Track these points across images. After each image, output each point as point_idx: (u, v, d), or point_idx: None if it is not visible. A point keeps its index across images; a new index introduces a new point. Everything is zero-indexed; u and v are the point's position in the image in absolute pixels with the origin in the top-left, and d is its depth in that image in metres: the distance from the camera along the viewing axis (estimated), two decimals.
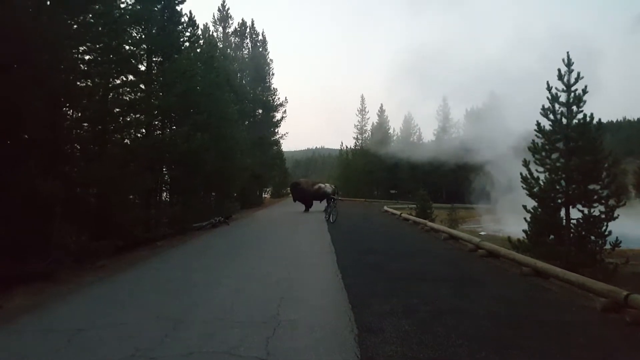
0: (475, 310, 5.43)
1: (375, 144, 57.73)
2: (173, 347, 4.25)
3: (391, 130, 60.94)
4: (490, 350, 4.07)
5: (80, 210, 10.08)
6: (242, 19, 42.23)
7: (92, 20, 10.18)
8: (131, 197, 14.07)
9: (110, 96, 11.94)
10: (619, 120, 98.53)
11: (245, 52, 41.01)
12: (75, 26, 9.83)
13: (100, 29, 10.39)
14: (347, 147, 67.95)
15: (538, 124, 11.09)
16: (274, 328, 4.70)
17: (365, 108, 62.78)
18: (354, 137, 64.44)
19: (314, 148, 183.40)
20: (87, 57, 10.56)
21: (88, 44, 10.30)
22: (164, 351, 4.14)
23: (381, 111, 61.42)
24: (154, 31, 15.52)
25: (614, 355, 4.17)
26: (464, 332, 4.56)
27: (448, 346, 4.18)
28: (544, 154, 10.81)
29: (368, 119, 63.14)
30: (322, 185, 24.51)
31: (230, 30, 39.84)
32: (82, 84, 10.46)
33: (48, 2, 8.98)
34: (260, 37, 42.37)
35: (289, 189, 33.66)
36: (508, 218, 24.27)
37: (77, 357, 4.11)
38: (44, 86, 8.59)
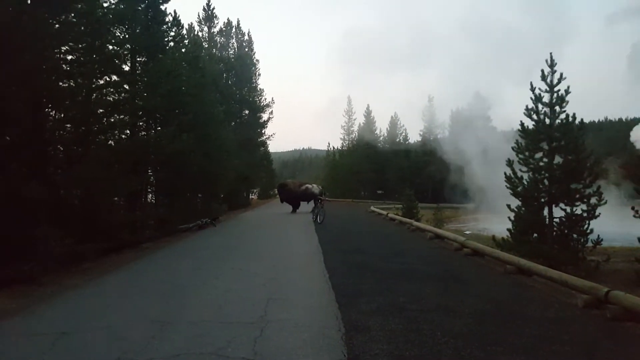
0: (460, 308, 5.50)
1: (362, 144, 57.96)
2: (160, 349, 4.21)
3: (377, 131, 61.18)
4: (475, 347, 4.13)
5: (64, 212, 9.93)
6: (228, 19, 42.02)
7: (74, 20, 10.03)
8: (116, 199, 13.93)
9: (93, 97, 11.76)
10: (600, 120, 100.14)
11: (231, 52, 40.77)
12: (57, 25, 9.68)
13: (82, 28, 10.24)
14: (334, 148, 68.07)
15: (522, 124, 11.26)
16: (261, 328, 4.70)
17: (352, 109, 62.99)
18: (340, 138, 64.61)
19: (301, 149, 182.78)
20: (69, 57, 10.42)
21: (70, 44, 10.16)
22: (151, 353, 4.10)
23: (368, 112, 61.63)
24: (137, 31, 15.34)
25: (595, 350, 4.27)
26: (449, 330, 4.61)
27: (434, 344, 4.23)
28: (527, 153, 10.95)
29: (355, 119, 63.34)
30: (309, 186, 24.51)
31: (216, 30, 39.53)
32: (64, 85, 10.30)
33: (29, 1, 8.84)
34: (246, 37, 42.21)
35: (276, 190, 33.59)
36: (493, 217, 24.55)
37: None
38: (26, 87, 8.46)
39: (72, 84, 10.47)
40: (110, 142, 13.32)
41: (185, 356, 4.01)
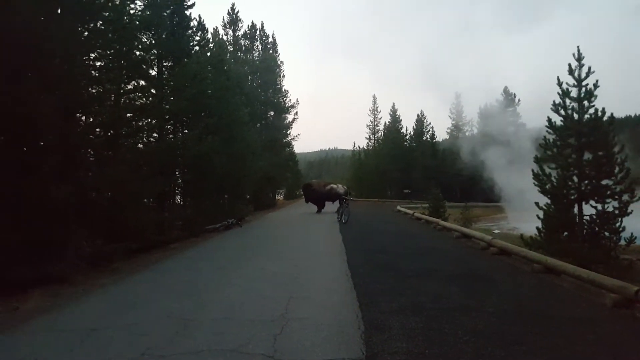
0: (483, 307, 5.41)
1: (388, 143, 57.57)
2: (183, 345, 4.31)
3: (404, 130, 60.59)
4: (497, 346, 4.06)
5: (94, 214, 10.24)
6: (252, 22, 42.61)
7: (102, 27, 10.35)
8: (145, 200, 14.29)
9: (121, 101, 12.13)
10: (638, 115, 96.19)
11: (256, 54, 41.18)
12: (85, 33, 10.00)
13: (110, 35, 10.55)
14: (359, 147, 67.86)
15: (549, 119, 10.97)
16: (282, 326, 4.75)
17: (377, 108, 62.63)
18: (366, 138, 64.38)
19: (327, 149, 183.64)
20: (98, 64, 10.74)
21: (99, 51, 10.48)
22: (174, 349, 4.20)
23: (393, 110, 61.16)
24: (163, 36, 15.73)
25: (622, 351, 4.13)
26: (471, 329, 4.55)
27: (454, 343, 4.18)
28: (555, 150, 10.68)
29: (380, 118, 63.02)
30: (334, 186, 24.54)
31: (240, 33, 40.03)
32: (93, 90, 10.63)
33: (59, 10, 9.15)
34: (270, 39, 42.54)
35: (301, 190, 33.75)
36: (524, 216, 23.98)
37: (90, 356, 4.19)
38: (57, 93, 8.76)
39: (100, 89, 10.81)
40: (138, 145, 13.69)
41: (207, 352, 4.09)
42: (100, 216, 10.51)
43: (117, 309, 5.98)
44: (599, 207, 9.97)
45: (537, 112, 45.89)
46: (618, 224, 9.74)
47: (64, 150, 9.16)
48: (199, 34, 18.54)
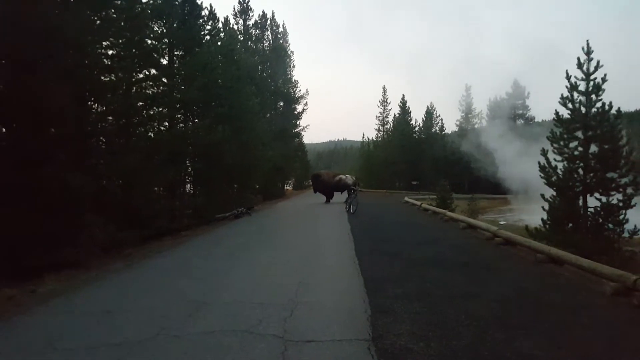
0: (486, 294, 5.57)
1: (397, 135, 57.40)
2: (195, 326, 4.51)
3: (413, 121, 60.31)
4: (497, 329, 4.23)
5: (106, 201, 10.48)
6: (263, 11, 42.56)
7: (114, 16, 10.52)
8: (156, 189, 14.55)
9: (133, 90, 12.32)
10: None
11: (266, 44, 41.20)
12: (98, 22, 10.16)
13: (122, 24, 10.74)
14: (368, 138, 67.71)
15: (556, 112, 11.03)
16: (291, 309, 4.93)
17: (387, 99, 62.23)
18: (375, 129, 64.18)
19: (336, 140, 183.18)
20: (110, 52, 10.93)
21: (111, 39, 10.67)
22: (187, 330, 4.40)
23: (403, 102, 60.81)
24: (175, 25, 15.88)
25: (617, 336, 4.27)
26: (473, 314, 4.71)
27: (457, 326, 4.35)
28: (562, 142, 10.73)
29: (390, 110, 62.67)
30: (343, 176, 24.64)
31: (251, 22, 40.01)
32: (106, 79, 10.82)
33: None
34: (280, 29, 42.63)
35: (310, 180, 33.93)
36: (531, 208, 23.97)
37: (107, 336, 4.37)
38: (70, 81, 8.96)
39: (112, 78, 11.00)
40: (150, 134, 13.91)
41: (220, 332, 4.28)
42: (112, 204, 10.75)
43: (131, 292, 6.21)
44: (604, 199, 10.05)
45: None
46: (622, 216, 9.83)
47: (77, 139, 9.38)
48: (209, 23, 18.69)
